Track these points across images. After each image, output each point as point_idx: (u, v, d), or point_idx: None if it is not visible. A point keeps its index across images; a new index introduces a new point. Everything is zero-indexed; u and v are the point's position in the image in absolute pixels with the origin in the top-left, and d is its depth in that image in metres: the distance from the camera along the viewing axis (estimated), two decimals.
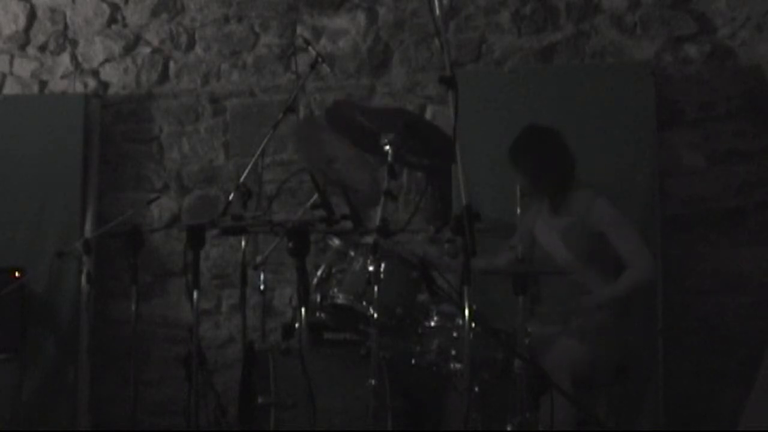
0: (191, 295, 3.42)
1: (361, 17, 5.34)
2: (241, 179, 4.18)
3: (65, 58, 5.66)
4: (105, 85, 5.63)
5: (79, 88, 5.62)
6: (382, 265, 3.45)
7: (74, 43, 5.66)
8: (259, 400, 3.68)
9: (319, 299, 3.82)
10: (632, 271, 3.94)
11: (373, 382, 3.39)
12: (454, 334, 3.64)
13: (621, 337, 4.02)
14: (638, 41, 5.01)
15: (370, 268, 3.44)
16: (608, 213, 4.00)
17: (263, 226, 3.64)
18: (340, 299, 3.69)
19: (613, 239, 3.96)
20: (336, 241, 3.85)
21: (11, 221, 5.33)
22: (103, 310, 5.45)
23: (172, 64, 5.57)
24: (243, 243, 4.40)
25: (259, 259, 4.50)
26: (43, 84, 5.69)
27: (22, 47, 5.71)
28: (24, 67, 5.71)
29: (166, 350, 5.41)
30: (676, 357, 4.71)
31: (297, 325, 3.53)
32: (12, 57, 5.72)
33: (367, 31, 5.34)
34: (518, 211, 3.93)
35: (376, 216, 3.48)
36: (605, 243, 3.98)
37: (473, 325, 2.96)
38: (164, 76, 5.57)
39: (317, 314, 3.86)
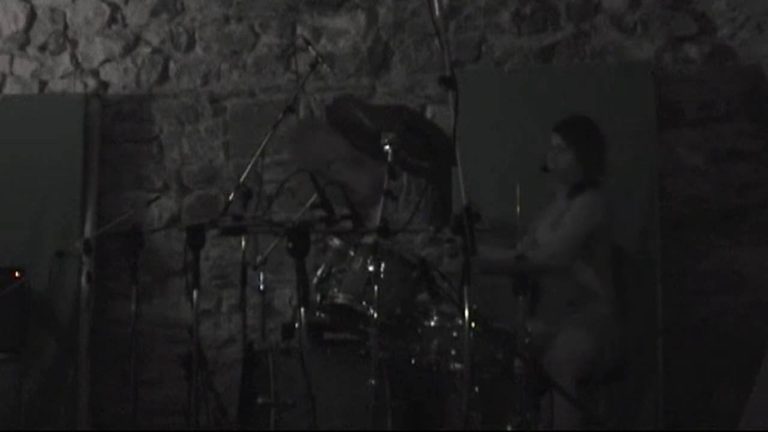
0: (191, 295, 3.42)
1: (361, 17, 5.35)
2: (241, 179, 4.18)
3: (65, 58, 5.66)
4: (105, 85, 5.62)
5: (79, 88, 5.62)
6: (382, 265, 3.45)
7: (74, 43, 5.66)
8: (259, 400, 3.68)
9: (319, 299, 3.82)
10: (541, 250, 3.97)
11: (373, 382, 3.39)
12: (454, 334, 3.64)
13: (619, 333, 4.02)
14: (638, 41, 5.01)
15: (370, 268, 3.44)
16: (585, 201, 4.02)
17: (263, 226, 3.64)
18: (340, 299, 3.69)
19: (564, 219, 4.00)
20: (336, 241, 3.85)
21: (11, 221, 5.33)
22: (103, 310, 5.45)
23: (172, 64, 5.57)
24: (243, 243, 4.40)
25: (259, 259, 4.50)
26: (43, 84, 5.69)
27: (22, 47, 5.71)
28: (24, 67, 5.71)
29: (166, 350, 5.41)
30: (676, 357, 4.71)
31: (297, 325, 3.53)
32: (12, 57, 5.72)
33: (367, 31, 5.34)
34: (518, 208, 3.92)
35: (376, 216, 3.48)
36: (596, 239, 3.99)
37: (473, 325, 2.96)
38: (164, 76, 5.57)
39: (317, 314, 3.86)
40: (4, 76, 5.72)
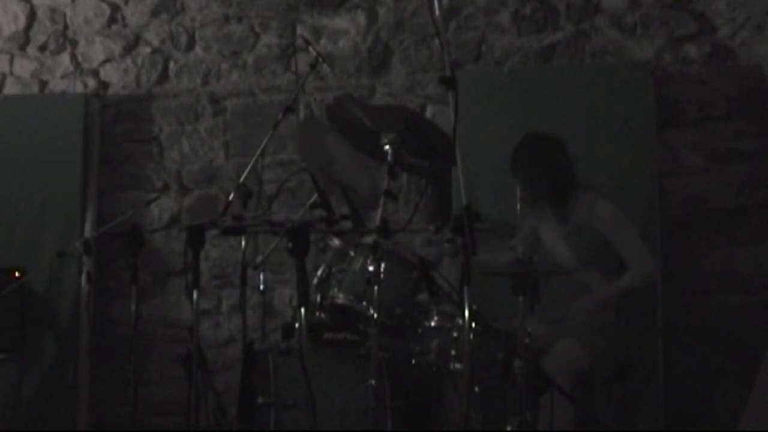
0: (191, 295, 3.42)
1: (361, 17, 5.35)
2: (241, 179, 4.18)
3: (65, 58, 5.66)
4: (105, 85, 5.62)
5: (79, 88, 5.62)
6: (382, 265, 3.45)
7: (74, 43, 5.66)
8: (259, 400, 3.68)
9: (319, 299, 3.82)
10: (632, 272, 3.94)
11: (373, 382, 3.39)
12: (454, 334, 3.64)
13: (621, 337, 4.02)
14: (638, 41, 5.01)
15: (370, 268, 3.44)
16: (610, 214, 4.00)
17: (263, 226, 3.64)
18: (340, 299, 3.69)
19: (614, 241, 3.96)
20: (336, 241, 3.85)
21: (11, 221, 5.33)
22: (103, 310, 5.45)
23: (172, 64, 5.57)
24: (243, 243, 4.40)
25: (259, 259, 4.50)
26: (43, 84, 5.69)
27: (22, 47, 5.71)
28: (24, 67, 5.71)
29: (166, 350, 5.41)
30: (676, 357, 4.71)
31: (297, 325, 3.53)
32: (12, 57, 5.72)
33: (367, 31, 5.34)
34: (518, 208, 3.92)
35: (376, 216, 3.49)
36: (607, 244, 3.98)
37: (473, 325, 2.96)
38: (164, 76, 5.57)
39: (317, 314, 3.86)
40: (4, 76, 5.72)
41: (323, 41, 5.37)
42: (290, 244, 3.05)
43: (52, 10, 5.68)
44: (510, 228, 4.20)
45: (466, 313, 2.88)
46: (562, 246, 4.06)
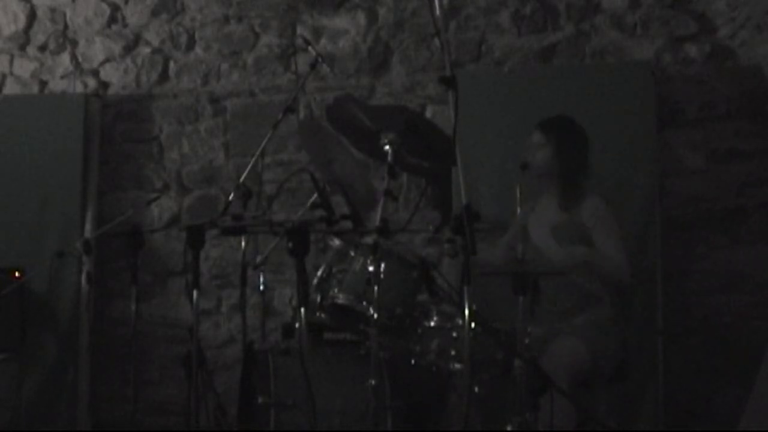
0: (191, 295, 3.42)
1: (361, 17, 5.35)
2: (241, 179, 4.18)
3: (65, 58, 5.66)
4: (105, 85, 5.63)
5: (79, 88, 5.62)
6: (382, 265, 3.45)
7: (74, 43, 5.66)
8: (259, 400, 3.68)
9: (319, 299, 3.82)
10: (604, 257, 3.93)
11: (373, 382, 3.39)
12: (454, 334, 3.64)
13: (620, 337, 4.02)
14: (638, 41, 5.01)
15: (370, 268, 3.44)
16: (597, 209, 4.00)
17: (263, 226, 3.64)
18: (340, 299, 3.69)
19: (595, 235, 3.96)
20: (336, 241, 3.85)
21: (11, 221, 5.33)
22: (103, 310, 5.45)
23: (172, 64, 5.57)
24: (243, 243, 4.40)
25: (259, 259, 4.50)
26: (43, 84, 5.69)
27: (22, 47, 5.71)
28: (24, 67, 5.71)
29: (166, 350, 5.41)
30: (676, 357, 4.71)
31: (297, 325, 3.53)
32: (12, 57, 5.72)
33: (367, 31, 5.34)
34: (518, 210, 3.92)
35: (376, 216, 3.49)
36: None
37: (473, 325, 2.96)
38: (164, 76, 5.57)
39: (317, 314, 3.86)
40: (4, 76, 5.72)
41: (323, 41, 5.37)
42: (290, 244, 3.05)
43: (52, 10, 5.68)
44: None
45: (466, 313, 2.88)
46: (550, 241, 4.06)
